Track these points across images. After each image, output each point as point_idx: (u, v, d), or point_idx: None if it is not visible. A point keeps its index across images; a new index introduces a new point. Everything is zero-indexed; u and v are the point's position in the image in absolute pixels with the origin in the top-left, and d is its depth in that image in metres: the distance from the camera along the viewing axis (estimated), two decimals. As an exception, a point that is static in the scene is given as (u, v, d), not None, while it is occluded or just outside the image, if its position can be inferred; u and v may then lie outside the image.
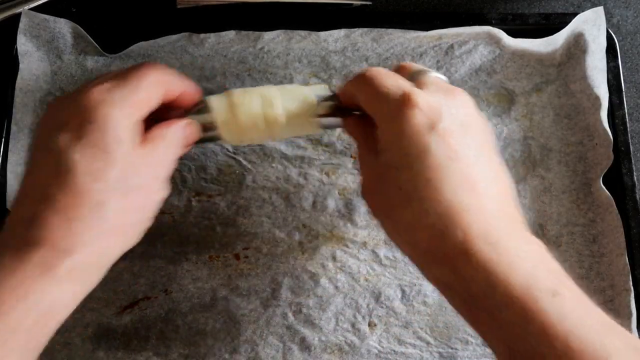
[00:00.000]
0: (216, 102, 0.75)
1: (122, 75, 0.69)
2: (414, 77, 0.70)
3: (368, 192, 0.69)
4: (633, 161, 0.87)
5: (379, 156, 0.66)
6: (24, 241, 0.62)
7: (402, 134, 0.64)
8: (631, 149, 0.87)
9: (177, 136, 0.72)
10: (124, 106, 0.66)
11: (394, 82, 0.68)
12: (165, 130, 0.71)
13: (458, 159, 0.63)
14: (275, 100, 0.74)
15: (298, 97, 0.76)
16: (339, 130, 0.89)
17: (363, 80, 0.70)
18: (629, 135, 0.88)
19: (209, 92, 0.90)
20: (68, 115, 0.66)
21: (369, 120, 0.69)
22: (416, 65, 0.73)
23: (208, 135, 0.76)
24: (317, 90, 0.76)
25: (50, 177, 0.64)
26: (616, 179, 0.86)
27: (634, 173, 0.86)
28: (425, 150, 0.63)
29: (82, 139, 0.64)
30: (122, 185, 0.66)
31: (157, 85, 0.70)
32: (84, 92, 0.67)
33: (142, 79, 0.69)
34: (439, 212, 0.61)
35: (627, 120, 0.89)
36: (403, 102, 0.65)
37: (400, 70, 0.73)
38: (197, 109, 0.74)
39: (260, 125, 0.75)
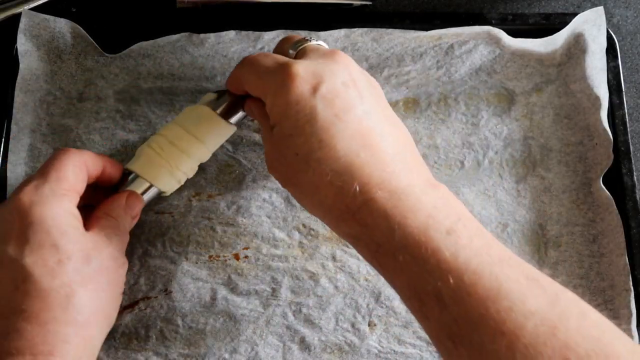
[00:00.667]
0: (139, 165, 0.81)
1: (43, 171, 0.72)
2: (294, 48, 0.75)
3: (271, 166, 0.72)
4: (633, 161, 0.87)
5: (274, 130, 0.69)
6: (5, 353, 0.63)
7: (288, 104, 0.67)
8: (631, 149, 0.87)
9: (119, 211, 0.76)
10: (55, 199, 0.70)
11: (272, 60, 0.72)
12: (108, 208, 0.76)
13: (346, 116, 0.66)
14: (181, 134, 0.82)
15: (197, 116, 0.82)
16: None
17: (244, 66, 0.74)
18: (629, 135, 0.88)
19: (209, 91, 0.90)
20: (6, 225, 0.68)
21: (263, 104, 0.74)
22: (297, 36, 0.78)
23: (150, 196, 0.82)
24: (205, 101, 0.83)
25: (11, 289, 0.65)
26: (616, 179, 0.86)
27: (634, 173, 0.86)
28: (313, 113, 0.66)
29: (28, 244, 0.66)
30: (84, 273, 0.68)
31: (77, 169, 0.73)
32: (13, 200, 0.69)
33: (61, 169, 0.72)
34: (336, 169, 0.65)
35: (627, 120, 0.89)
36: (283, 74, 0.68)
37: (283, 43, 0.78)
38: (129, 179, 0.80)
39: (187, 159, 0.82)
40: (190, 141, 0.82)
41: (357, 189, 0.64)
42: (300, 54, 0.74)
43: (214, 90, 0.87)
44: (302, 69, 0.68)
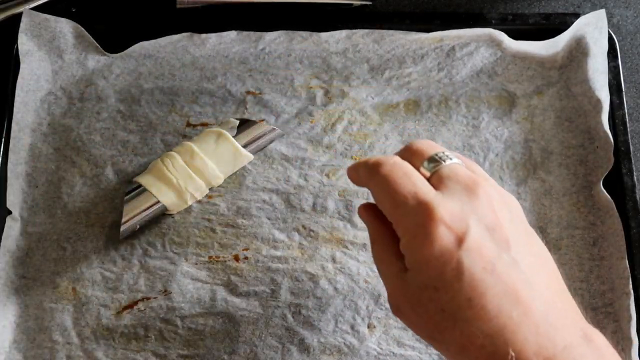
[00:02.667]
0: (148, 180, 0.84)
1: None
2: (429, 168, 0.66)
3: (401, 310, 0.65)
4: (633, 161, 0.87)
5: (409, 275, 0.63)
6: None
7: (430, 254, 0.60)
8: (631, 149, 0.87)
9: None
10: None
11: (410, 188, 0.63)
12: None
13: (494, 268, 0.60)
14: (196, 156, 0.85)
15: (214, 140, 0.86)
16: (339, 132, 0.90)
17: (377, 181, 0.66)
18: (629, 135, 0.88)
19: (209, 92, 0.91)
20: None
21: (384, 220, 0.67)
22: (428, 148, 0.68)
23: (154, 211, 0.84)
24: (226, 126, 0.87)
25: None
26: (616, 179, 0.86)
27: (634, 173, 0.86)
28: (459, 268, 0.59)
29: None
30: None
31: None
32: None
33: None
34: (488, 332, 0.58)
35: (627, 120, 0.89)
36: (425, 217, 0.61)
37: (412, 156, 0.68)
38: (136, 192, 0.82)
39: (197, 181, 0.85)
40: (204, 164, 0.82)
41: (513, 356, 0.58)
42: (436, 180, 0.65)
43: (235, 117, 0.88)
44: (447, 214, 0.61)
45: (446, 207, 0.61)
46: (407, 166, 0.65)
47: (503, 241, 0.61)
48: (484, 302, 0.58)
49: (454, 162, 0.66)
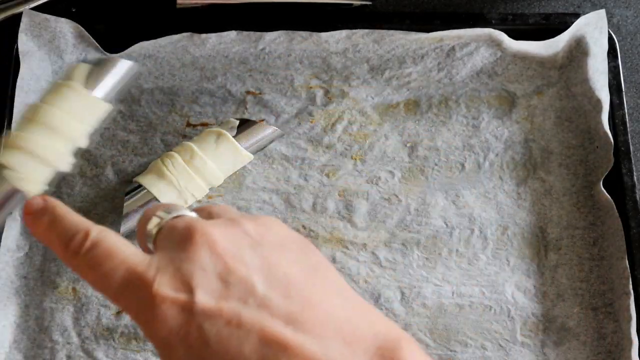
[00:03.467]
0: (148, 180, 0.82)
1: None
2: (151, 229, 0.57)
3: None
4: (633, 161, 0.87)
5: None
6: None
7: (166, 337, 0.49)
8: (631, 149, 0.87)
9: None
10: None
11: (118, 263, 0.53)
12: None
13: (240, 319, 0.48)
14: (196, 155, 0.83)
15: (214, 140, 0.84)
16: (339, 132, 0.90)
17: (79, 259, 0.55)
18: (629, 135, 0.88)
19: (209, 92, 0.90)
20: None
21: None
22: (157, 207, 0.58)
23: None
24: (226, 126, 0.86)
25: None
26: (616, 179, 0.86)
27: (634, 173, 0.86)
28: (202, 336, 0.49)
29: None
30: None
31: None
32: None
33: None
34: None
35: (627, 120, 0.89)
36: (140, 297, 0.50)
37: (143, 218, 0.59)
38: (135, 191, 0.81)
39: (198, 181, 0.84)
40: (204, 164, 0.82)
41: None
42: (157, 242, 0.56)
43: (236, 117, 0.88)
44: (163, 284, 0.50)
45: (162, 277, 0.50)
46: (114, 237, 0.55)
47: (242, 283, 0.50)
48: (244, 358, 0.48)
49: (178, 215, 0.56)
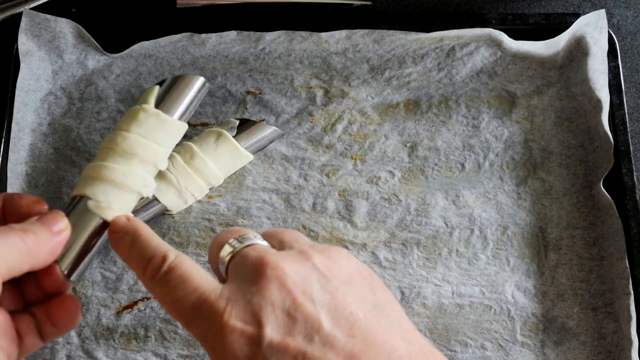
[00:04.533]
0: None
1: None
2: (224, 255, 0.58)
3: None
4: (633, 161, 0.87)
5: None
6: None
7: None
8: (631, 149, 0.87)
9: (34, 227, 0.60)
10: None
11: (190, 293, 0.55)
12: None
13: (305, 356, 0.50)
14: (196, 155, 0.83)
15: (214, 140, 0.84)
16: (339, 132, 0.90)
17: (154, 283, 0.57)
18: (629, 135, 0.88)
19: (209, 92, 0.90)
20: None
21: None
22: (229, 234, 0.60)
23: (155, 211, 0.82)
24: (225, 126, 0.86)
25: None
26: (616, 179, 0.86)
27: (634, 173, 0.86)
28: None
29: None
30: None
31: None
32: None
33: None
34: None
35: (627, 120, 0.89)
36: (211, 327, 0.53)
37: (216, 243, 0.60)
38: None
39: (198, 181, 0.83)
40: (204, 164, 0.82)
41: None
42: (229, 270, 0.58)
43: (236, 117, 0.89)
44: (234, 316, 0.52)
45: (233, 309, 0.52)
46: (187, 272, 0.57)
47: (309, 320, 0.52)
48: None
49: (251, 243, 0.58)
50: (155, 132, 0.73)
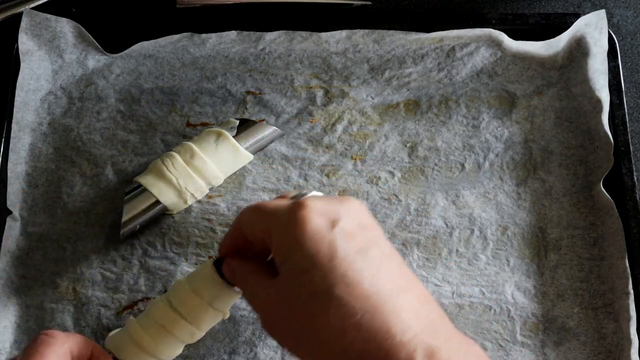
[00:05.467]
0: (148, 180, 0.84)
1: None
2: (294, 199, 0.66)
3: (272, 320, 0.63)
4: (633, 161, 0.87)
5: (282, 267, 0.62)
6: None
7: (302, 236, 0.60)
8: (631, 149, 0.87)
9: None
10: None
11: (278, 201, 0.65)
12: None
13: (367, 255, 0.59)
14: (195, 155, 0.84)
15: (214, 140, 0.85)
16: (339, 132, 0.90)
17: (247, 211, 0.67)
18: (629, 135, 0.88)
19: (209, 92, 0.91)
20: None
21: (251, 260, 0.68)
22: (290, 192, 0.71)
23: (155, 211, 0.84)
24: (226, 125, 0.87)
25: None
26: (616, 179, 0.86)
27: (634, 173, 0.86)
28: (332, 247, 0.59)
29: None
30: None
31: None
32: None
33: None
34: (366, 309, 0.56)
35: (627, 120, 0.89)
36: (295, 208, 0.62)
37: (279, 199, 0.70)
38: (136, 192, 0.84)
39: (198, 180, 0.84)
40: (204, 163, 0.82)
41: (399, 335, 0.55)
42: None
43: (236, 117, 0.89)
44: (318, 204, 0.62)
45: (317, 202, 0.62)
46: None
47: (375, 237, 0.63)
48: (360, 278, 0.58)
49: (317, 193, 0.70)
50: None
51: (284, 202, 0.64)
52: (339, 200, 0.64)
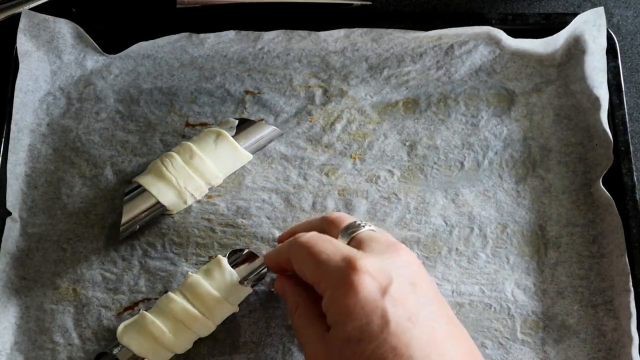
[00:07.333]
0: (147, 180, 0.84)
1: None
2: (346, 234, 0.69)
3: None
4: (633, 161, 0.87)
5: (331, 332, 0.63)
6: None
7: (355, 303, 0.61)
8: (631, 149, 0.87)
9: None
10: None
11: (332, 247, 0.66)
12: None
13: (418, 320, 0.61)
14: (195, 155, 0.84)
15: (213, 140, 0.85)
16: (338, 131, 0.90)
17: (298, 248, 0.68)
18: (629, 135, 0.88)
19: (208, 92, 0.91)
20: None
21: (306, 284, 0.69)
22: (343, 218, 0.72)
23: (154, 211, 0.84)
24: (225, 126, 0.87)
25: None
26: (616, 179, 0.86)
27: (634, 173, 0.86)
28: (384, 317, 0.60)
29: None
30: None
31: None
32: None
33: None
34: None
35: (627, 120, 0.89)
36: (348, 269, 0.62)
37: (328, 225, 0.72)
38: (135, 192, 0.84)
39: (197, 180, 0.84)
40: (203, 163, 0.82)
41: None
42: (356, 243, 0.68)
43: (235, 117, 0.89)
44: (370, 266, 0.62)
45: (369, 260, 0.63)
46: (325, 235, 0.69)
47: (424, 296, 0.64)
48: (411, 352, 0.59)
49: (371, 229, 0.70)
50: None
51: (341, 252, 0.65)
52: (391, 255, 0.65)
